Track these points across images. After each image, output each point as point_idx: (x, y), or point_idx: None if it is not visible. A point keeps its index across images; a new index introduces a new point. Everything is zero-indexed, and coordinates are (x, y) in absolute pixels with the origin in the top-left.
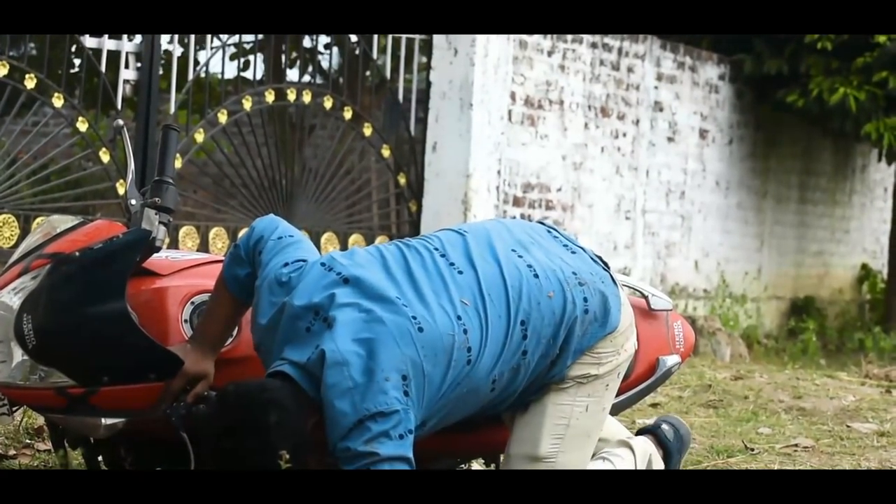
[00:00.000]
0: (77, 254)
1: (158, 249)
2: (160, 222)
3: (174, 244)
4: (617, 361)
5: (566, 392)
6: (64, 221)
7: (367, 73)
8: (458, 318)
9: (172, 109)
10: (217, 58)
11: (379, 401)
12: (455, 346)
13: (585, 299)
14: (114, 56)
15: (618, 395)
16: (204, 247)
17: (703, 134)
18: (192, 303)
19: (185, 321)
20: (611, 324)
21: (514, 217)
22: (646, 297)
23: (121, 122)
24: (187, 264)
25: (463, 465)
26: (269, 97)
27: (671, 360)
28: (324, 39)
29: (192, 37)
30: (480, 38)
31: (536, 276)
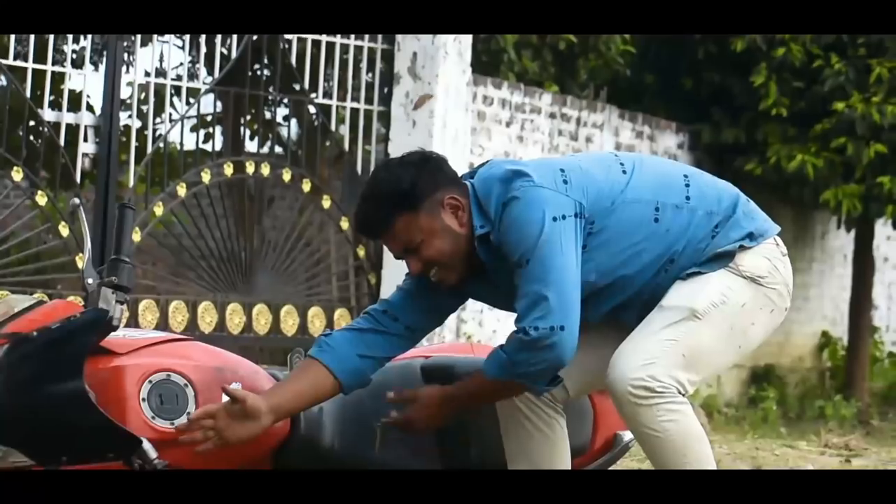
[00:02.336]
0: (35, 333)
1: (116, 328)
2: (117, 301)
3: (133, 318)
4: (776, 291)
5: (735, 279)
6: (21, 301)
7: (327, 143)
8: (614, 154)
9: (131, 182)
10: (176, 130)
11: (531, 180)
12: (607, 158)
13: (748, 200)
14: (73, 129)
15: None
16: (164, 320)
17: None
18: (150, 381)
19: (143, 400)
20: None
21: None
22: None
23: (77, 200)
24: (145, 343)
25: None
26: (228, 170)
27: (629, 434)
28: (282, 111)
29: (151, 109)
30: (438, 110)
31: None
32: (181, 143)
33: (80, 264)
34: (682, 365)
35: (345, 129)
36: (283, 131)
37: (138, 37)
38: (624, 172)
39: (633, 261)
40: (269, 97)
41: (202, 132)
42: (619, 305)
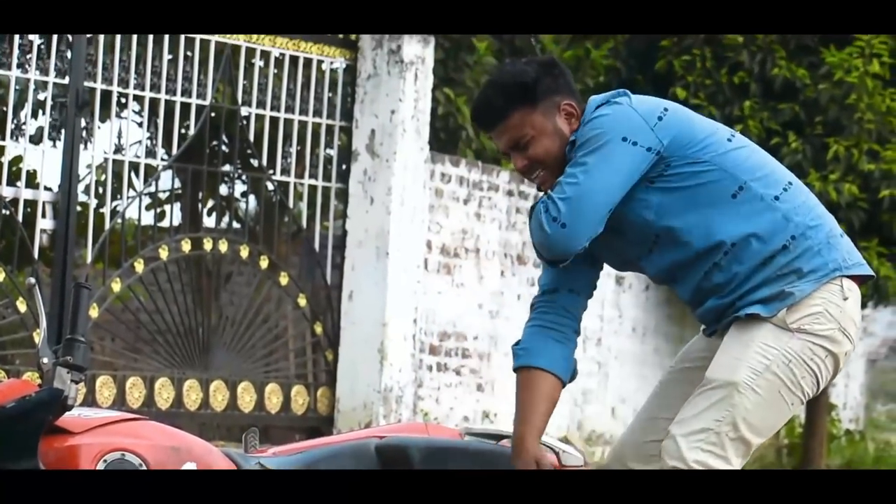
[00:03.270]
0: None
1: (71, 408)
2: (72, 381)
3: (91, 394)
4: (827, 337)
5: (779, 334)
6: None
7: (285, 219)
8: (731, 130)
9: (89, 258)
10: (134, 206)
11: (629, 100)
12: (722, 127)
13: (842, 235)
14: (31, 205)
15: None
16: (121, 396)
17: (619, 280)
18: (105, 461)
19: None
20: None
21: (430, 366)
22: (557, 454)
23: (32, 280)
24: (100, 422)
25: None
26: (186, 246)
27: None
28: (240, 188)
29: (109, 185)
30: (396, 187)
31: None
32: (139, 220)
33: (37, 339)
34: (727, 444)
35: (303, 206)
36: (241, 207)
37: (97, 113)
38: (729, 141)
39: (693, 217)
40: (227, 173)
41: (160, 209)
42: (676, 265)
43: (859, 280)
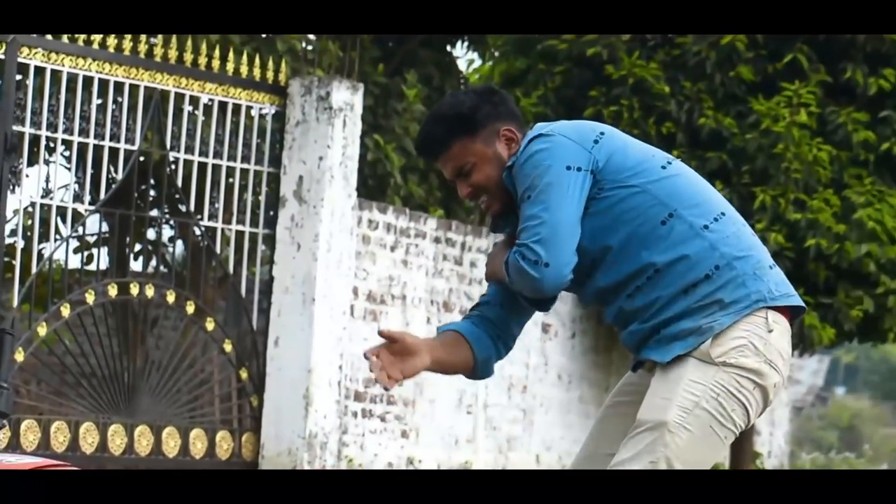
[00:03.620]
0: None
1: None
2: None
3: (15, 437)
4: (754, 370)
5: (705, 369)
6: None
7: (213, 264)
8: (669, 158)
9: (16, 302)
10: (61, 250)
11: (557, 129)
12: (659, 153)
13: (773, 267)
14: None
15: None
16: (45, 440)
17: (545, 328)
18: None
19: None
20: (741, 304)
21: (356, 412)
22: None
23: None
24: (23, 468)
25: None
26: (112, 291)
27: None
28: (168, 232)
29: (37, 231)
30: (323, 234)
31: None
32: (66, 264)
33: None
34: None
35: (230, 251)
36: (169, 252)
37: (25, 158)
38: (663, 168)
39: (622, 240)
40: (155, 218)
41: (87, 252)
42: (607, 287)
43: (790, 313)
